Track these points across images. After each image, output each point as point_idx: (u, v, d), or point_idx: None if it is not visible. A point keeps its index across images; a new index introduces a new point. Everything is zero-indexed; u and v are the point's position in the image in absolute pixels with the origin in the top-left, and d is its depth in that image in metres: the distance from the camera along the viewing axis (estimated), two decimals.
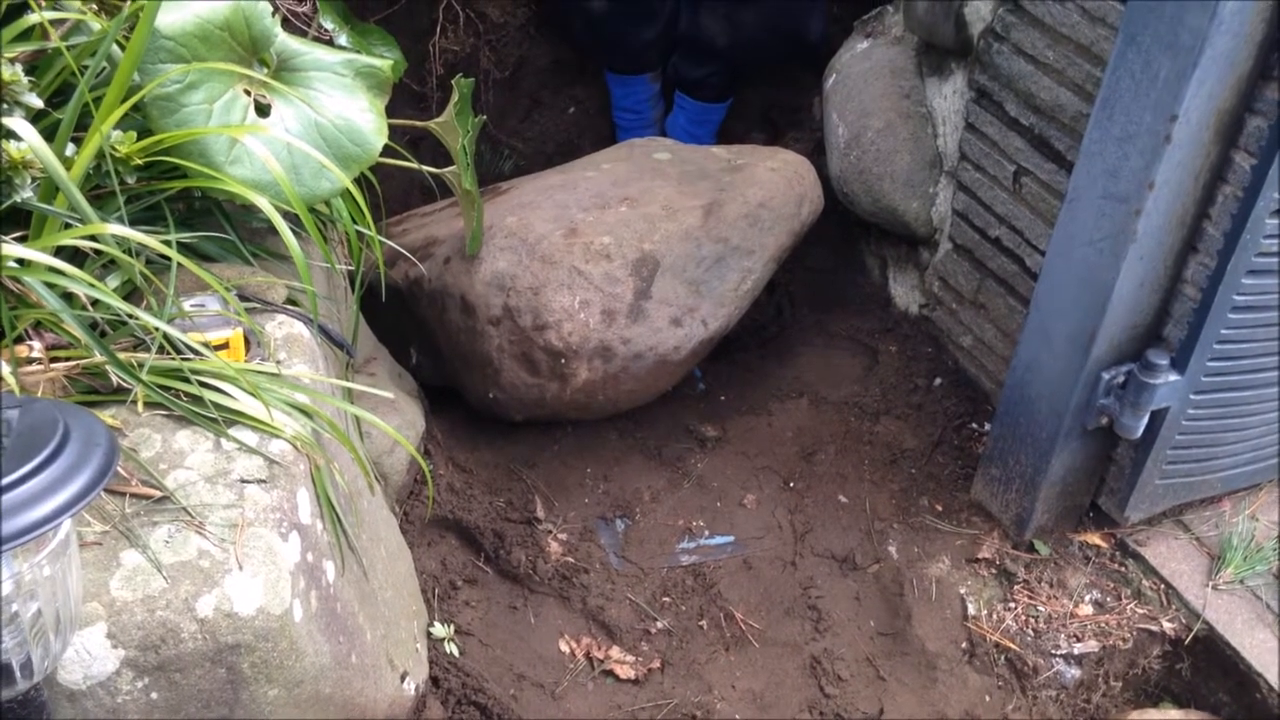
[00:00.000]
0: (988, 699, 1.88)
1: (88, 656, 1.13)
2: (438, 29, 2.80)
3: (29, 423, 0.94)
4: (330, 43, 1.76)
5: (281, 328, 1.45)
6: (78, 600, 1.01)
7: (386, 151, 1.60)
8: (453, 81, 1.74)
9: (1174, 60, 1.48)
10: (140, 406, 1.28)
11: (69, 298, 1.26)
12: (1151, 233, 1.63)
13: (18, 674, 0.95)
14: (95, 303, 1.25)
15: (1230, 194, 1.60)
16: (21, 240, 1.25)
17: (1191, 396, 1.77)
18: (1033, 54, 1.90)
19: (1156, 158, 1.55)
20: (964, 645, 1.92)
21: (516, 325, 2.00)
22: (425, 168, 1.81)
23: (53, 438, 0.91)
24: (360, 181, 1.56)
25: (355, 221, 1.59)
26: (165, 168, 1.42)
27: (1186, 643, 1.88)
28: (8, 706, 0.98)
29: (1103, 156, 1.62)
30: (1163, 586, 1.94)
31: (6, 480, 0.86)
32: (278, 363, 1.38)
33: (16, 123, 1.22)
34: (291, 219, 1.40)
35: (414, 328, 2.21)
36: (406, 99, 2.77)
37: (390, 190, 2.64)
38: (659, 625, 1.97)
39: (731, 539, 2.12)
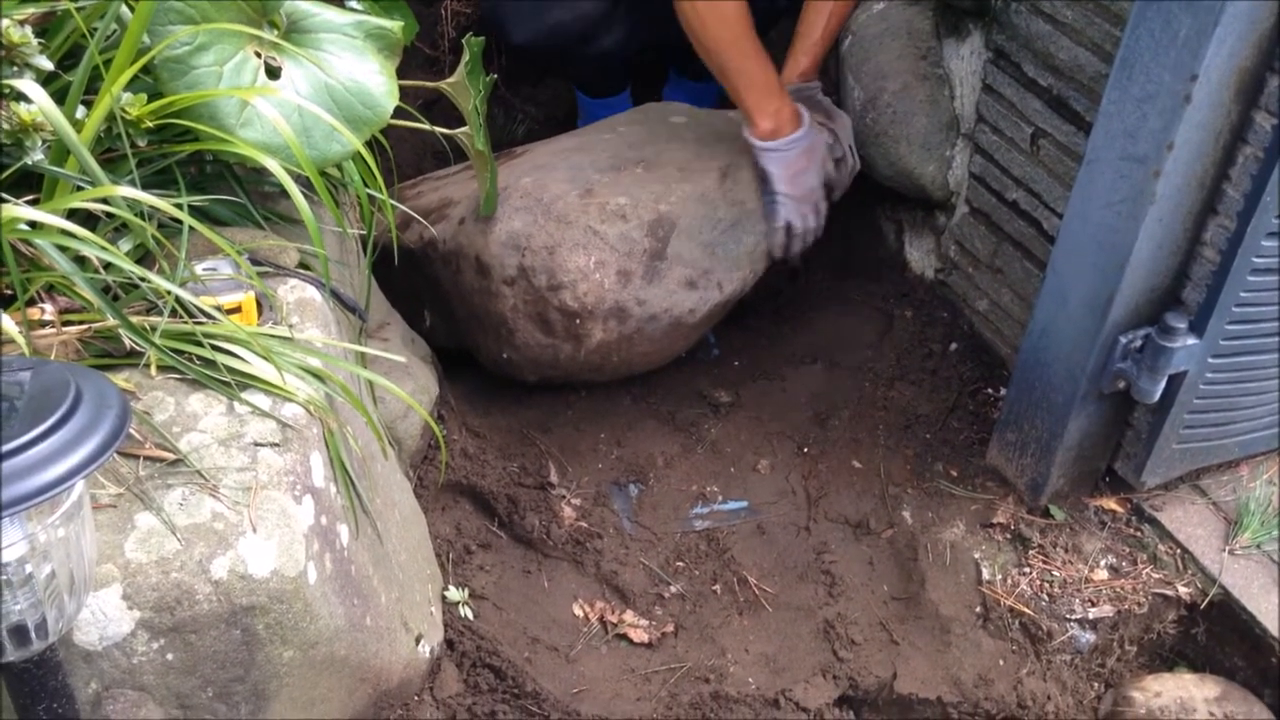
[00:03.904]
0: (1001, 663, 1.88)
1: (103, 618, 1.14)
2: None
3: (41, 385, 0.94)
4: (341, 4, 1.75)
5: (293, 292, 1.45)
6: (91, 562, 1.01)
7: (399, 114, 1.59)
8: (464, 40, 1.73)
9: (1194, 18, 1.46)
10: (153, 370, 1.28)
11: (81, 261, 1.26)
12: (1170, 194, 1.61)
13: (33, 635, 0.95)
14: (108, 266, 1.25)
15: (1251, 155, 1.58)
16: (33, 203, 1.25)
17: (1209, 360, 1.76)
18: (1051, 13, 1.87)
19: (1176, 118, 1.53)
20: (978, 610, 1.92)
21: (531, 285, 1.99)
22: (438, 129, 1.80)
23: (65, 400, 0.91)
24: (372, 145, 1.56)
25: (366, 185, 1.58)
26: (176, 131, 1.41)
27: (1202, 607, 1.88)
28: (23, 666, 0.99)
29: (1121, 117, 1.60)
30: (1179, 551, 1.93)
31: (19, 442, 0.87)
32: (290, 327, 1.38)
33: (27, 85, 1.21)
34: (303, 182, 1.40)
35: (428, 290, 2.21)
36: (419, 62, 2.76)
37: (404, 154, 2.63)
38: (672, 590, 1.98)
39: (745, 504, 2.12)
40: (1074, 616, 1.88)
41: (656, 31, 2.59)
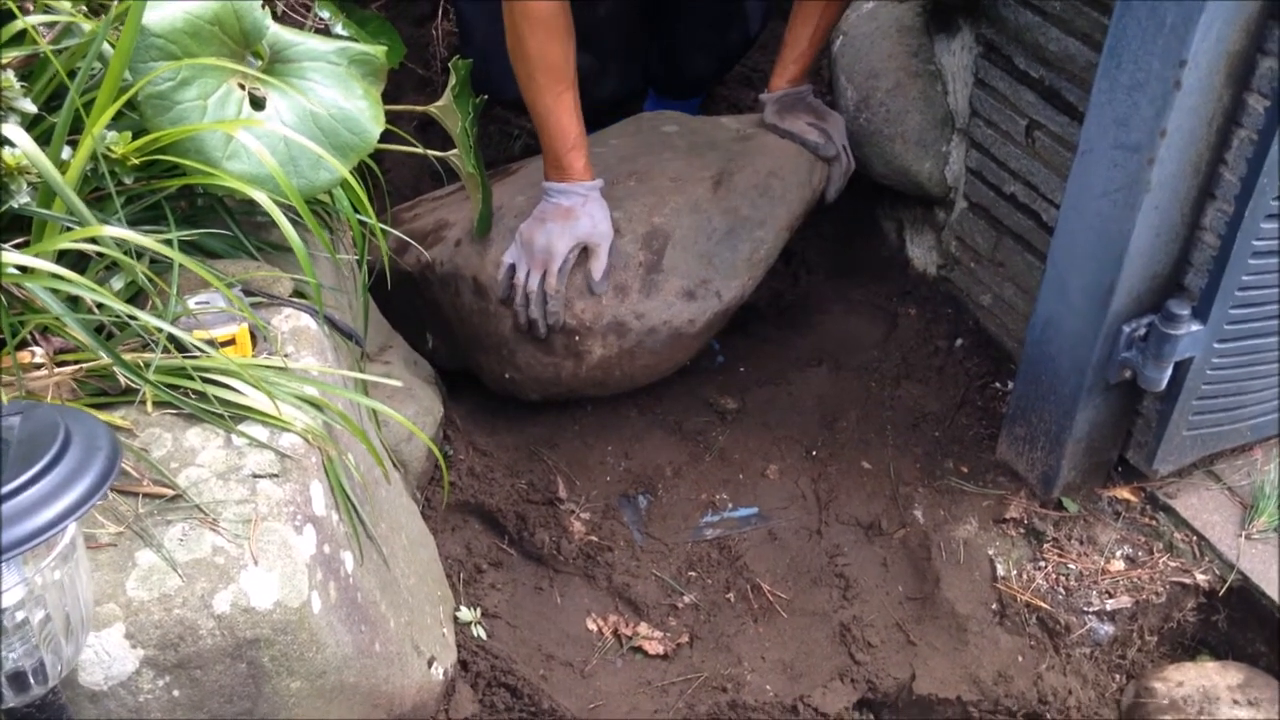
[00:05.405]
0: (1020, 659, 1.86)
1: (107, 657, 1.14)
2: (439, 12, 2.79)
3: (30, 429, 0.94)
4: (327, 32, 1.75)
5: (288, 321, 1.45)
6: (89, 603, 1.01)
7: (392, 137, 1.59)
8: (450, 64, 1.73)
9: (1180, 4, 1.45)
10: (149, 406, 1.29)
11: (75, 301, 1.26)
12: (1166, 181, 1.60)
13: (31, 680, 0.95)
14: (101, 305, 1.25)
15: (1245, 138, 1.56)
16: (23, 246, 1.25)
17: (1215, 345, 1.74)
18: (1038, 4, 1.86)
19: (1167, 105, 1.52)
20: (994, 606, 1.90)
21: None
22: (429, 151, 1.80)
23: (54, 443, 0.91)
24: (363, 169, 1.56)
25: (357, 210, 1.58)
26: (165, 166, 1.42)
27: (1221, 594, 1.86)
28: (26, 711, 0.99)
29: (1112, 106, 1.59)
30: (1195, 538, 1.91)
31: (10, 487, 0.87)
32: (285, 356, 1.38)
33: (10, 129, 1.22)
34: (294, 211, 1.40)
35: (429, 312, 2.21)
36: (412, 84, 2.76)
37: (402, 175, 2.64)
38: (686, 600, 1.97)
39: (755, 510, 2.11)
40: (1092, 609, 1.87)
41: (644, 73, 2.60)
